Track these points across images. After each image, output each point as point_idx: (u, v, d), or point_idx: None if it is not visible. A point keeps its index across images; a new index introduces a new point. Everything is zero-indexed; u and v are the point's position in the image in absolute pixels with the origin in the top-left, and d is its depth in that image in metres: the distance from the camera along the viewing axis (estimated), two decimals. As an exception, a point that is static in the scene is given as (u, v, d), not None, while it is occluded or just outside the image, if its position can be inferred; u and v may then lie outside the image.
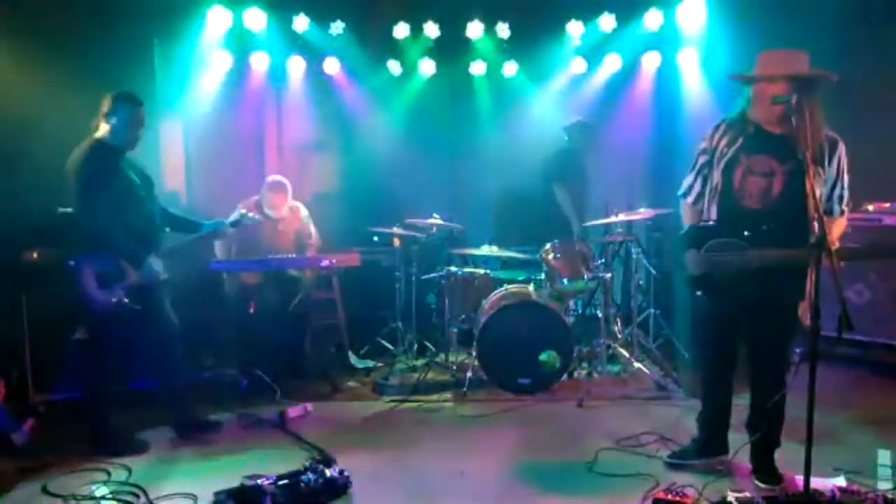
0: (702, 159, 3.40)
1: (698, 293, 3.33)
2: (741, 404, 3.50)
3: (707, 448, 3.55)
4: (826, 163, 3.13)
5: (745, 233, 3.15)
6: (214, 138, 6.30)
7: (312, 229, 5.45)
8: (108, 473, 3.61)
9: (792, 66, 3.13)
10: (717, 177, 3.30)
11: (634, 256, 5.67)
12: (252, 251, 5.11)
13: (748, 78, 3.23)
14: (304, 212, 5.45)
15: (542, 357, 4.85)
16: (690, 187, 3.49)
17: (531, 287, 5.32)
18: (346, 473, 3.39)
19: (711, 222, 3.31)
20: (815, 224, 2.71)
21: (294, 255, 5.19)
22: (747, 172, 3.20)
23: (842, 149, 3.17)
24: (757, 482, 3.33)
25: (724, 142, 3.29)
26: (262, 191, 5.32)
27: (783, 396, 3.29)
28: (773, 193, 3.17)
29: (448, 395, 4.94)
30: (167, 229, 4.24)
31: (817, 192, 2.86)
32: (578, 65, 6.55)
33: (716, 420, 3.53)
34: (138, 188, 3.87)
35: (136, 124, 3.83)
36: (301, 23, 6.33)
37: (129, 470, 3.65)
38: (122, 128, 3.79)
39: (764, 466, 3.36)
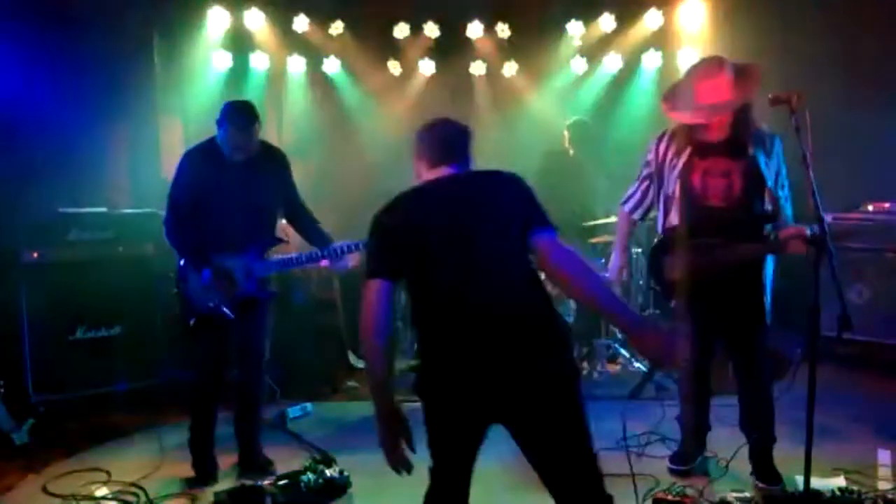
0: (645, 171, 3.48)
1: (672, 303, 3.38)
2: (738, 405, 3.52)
3: (697, 449, 3.57)
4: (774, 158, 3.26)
5: (715, 231, 3.20)
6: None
7: None
8: (108, 473, 3.61)
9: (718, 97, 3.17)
10: (671, 185, 3.33)
11: (634, 256, 5.66)
12: None
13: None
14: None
15: None
16: (630, 196, 3.59)
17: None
18: (346, 473, 3.39)
19: (674, 227, 3.34)
20: (814, 223, 2.75)
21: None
22: (706, 175, 3.26)
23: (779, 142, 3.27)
24: (757, 482, 3.33)
25: (671, 152, 3.35)
26: None
27: (770, 393, 3.37)
28: (735, 191, 3.24)
29: (448, 395, 4.93)
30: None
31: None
32: (578, 65, 6.54)
33: (698, 421, 3.55)
34: (238, 194, 3.47)
35: (232, 144, 3.43)
36: (301, 23, 6.32)
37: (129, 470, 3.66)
38: (222, 141, 3.47)
39: (763, 466, 3.36)
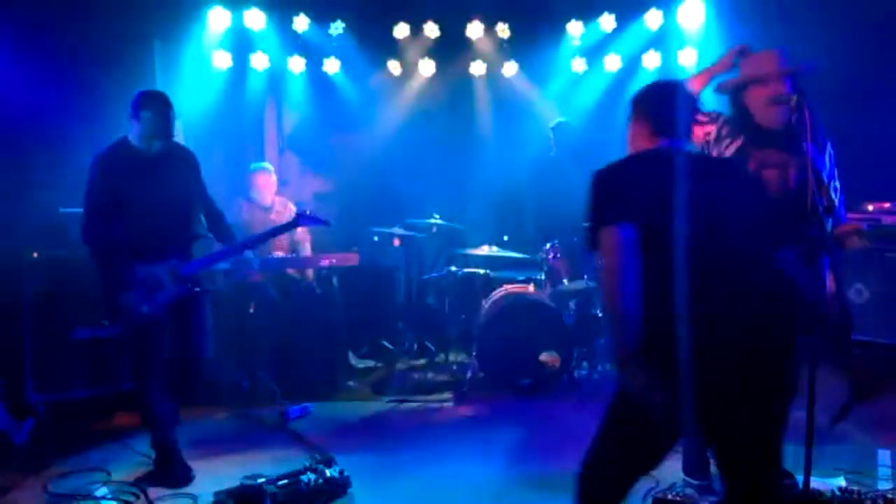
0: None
1: None
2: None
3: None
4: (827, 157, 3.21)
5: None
6: (215, 138, 6.30)
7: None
8: (108, 473, 3.61)
9: (779, 64, 3.16)
10: None
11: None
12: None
13: (740, 84, 3.24)
14: (292, 206, 5.53)
15: (542, 357, 4.86)
16: None
17: (531, 287, 5.32)
18: (346, 473, 3.39)
19: None
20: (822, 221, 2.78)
21: (293, 254, 5.23)
22: (762, 166, 3.20)
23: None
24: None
25: (725, 130, 3.26)
26: (248, 178, 5.41)
27: None
28: (790, 184, 3.17)
29: (448, 395, 4.94)
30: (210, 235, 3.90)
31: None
32: (578, 65, 6.55)
33: None
34: (157, 192, 3.49)
35: (150, 131, 3.46)
36: (301, 23, 6.33)
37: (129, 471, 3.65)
38: (138, 133, 3.49)
39: None
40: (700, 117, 3.29)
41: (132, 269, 3.44)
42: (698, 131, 3.31)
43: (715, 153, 3.28)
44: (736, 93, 3.26)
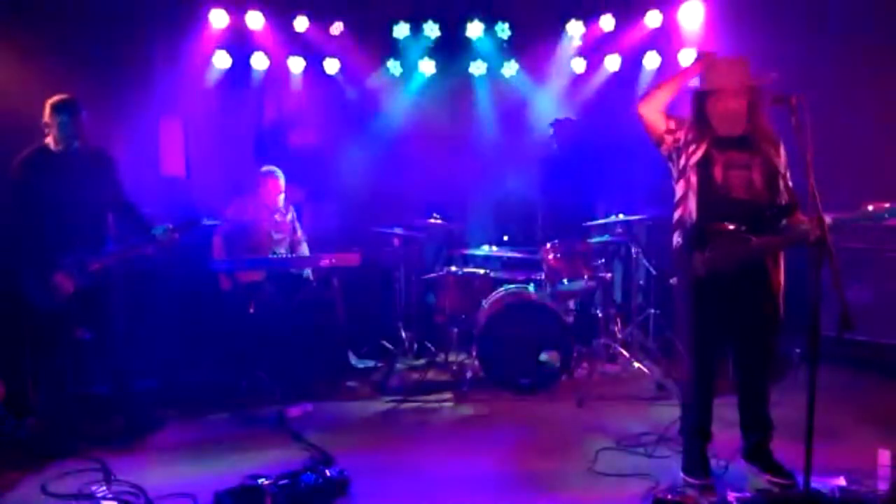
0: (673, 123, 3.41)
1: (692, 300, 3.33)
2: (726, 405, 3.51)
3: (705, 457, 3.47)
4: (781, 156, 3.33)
5: (741, 223, 3.20)
6: (215, 138, 6.30)
7: (297, 225, 5.59)
8: (108, 473, 3.61)
9: (742, 77, 3.25)
10: (689, 172, 3.32)
11: (634, 256, 5.66)
12: (254, 244, 5.17)
13: (705, 92, 3.31)
14: (293, 210, 5.55)
15: (542, 357, 4.87)
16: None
17: (531, 287, 5.32)
18: (346, 473, 3.40)
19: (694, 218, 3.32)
20: (815, 221, 2.83)
21: (293, 255, 5.23)
22: (728, 167, 3.27)
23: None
24: (772, 479, 3.31)
25: (691, 135, 3.34)
26: (257, 179, 5.41)
27: (769, 389, 3.41)
28: (756, 184, 3.26)
29: (448, 395, 4.94)
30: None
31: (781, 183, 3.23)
32: (578, 65, 6.55)
33: (706, 424, 3.43)
34: (74, 192, 3.86)
35: (68, 133, 3.84)
36: (301, 23, 6.33)
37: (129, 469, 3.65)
38: (55, 137, 3.86)
39: (772, 463, 3.36)
40: (670, 125, 3.37)
41: (45, 260, 3.82)
42: (668, 138, 3.38)
43: (682, 158, 3.34)
44: (699, 100, 3.32)
